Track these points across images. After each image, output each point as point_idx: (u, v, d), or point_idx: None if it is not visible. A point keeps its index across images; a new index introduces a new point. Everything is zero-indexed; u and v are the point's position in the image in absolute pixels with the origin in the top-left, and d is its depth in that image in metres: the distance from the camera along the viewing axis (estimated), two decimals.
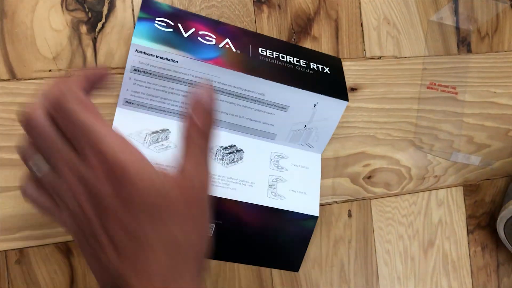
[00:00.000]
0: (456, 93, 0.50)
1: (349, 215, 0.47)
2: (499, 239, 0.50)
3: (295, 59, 0.43)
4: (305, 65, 0.44)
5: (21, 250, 0.39)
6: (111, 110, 0.40)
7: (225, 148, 0.42)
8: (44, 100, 0.26)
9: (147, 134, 0.40)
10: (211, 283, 0.43)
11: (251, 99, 0.42)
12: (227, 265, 0.44)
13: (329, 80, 0.44)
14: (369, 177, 0.48)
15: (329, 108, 0.43)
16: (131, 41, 0.37)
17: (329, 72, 0.44)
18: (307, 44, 0.46)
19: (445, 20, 0.50)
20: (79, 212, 0.26)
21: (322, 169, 0.46)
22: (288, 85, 0.41)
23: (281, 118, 0.43)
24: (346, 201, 0.47)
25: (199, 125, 0.28)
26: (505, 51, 0.52)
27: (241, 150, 0.43)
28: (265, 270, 0.45)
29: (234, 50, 0.41)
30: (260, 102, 0.42)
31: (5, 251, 0.39)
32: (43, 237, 0.39)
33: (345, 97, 0.43)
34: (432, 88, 0.49)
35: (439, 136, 0.50)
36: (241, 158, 0.43)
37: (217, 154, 0.42)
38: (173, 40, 0.39)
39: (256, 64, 0.41)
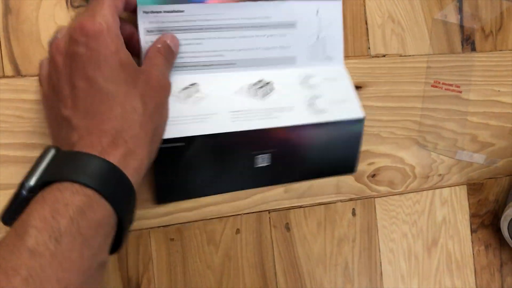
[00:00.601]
0: (460, 92, 0.50)
1: (353, 214, 0.47)
2: (502, 238, 0.50)
3: None
4: None
5: None
6: None
7: (254, 84, 0.43)
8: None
9: (178, 91, 0.41)
10: (215, 282, 0.43)
11: (260, 26, 0.43)
12: (231, 264, 0.43)
13: None
14: (373, 176, 0.47)
15: (329, 12, 0.45)
16: (137, 4, 0.38)
17: None
18: None
19: (450, 19, 0.50)
20: (54, 68, 0.32)
21: None
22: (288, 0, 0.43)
23: (293, 36, 0.44)
24: (350, 199, 0.47)
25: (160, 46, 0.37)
26: (509, 50, 0.52)
27: (270, 81, 0.44)
28: (269, 269, 0.45)
29: None
30: (269, 26, 0.43)
31: None
32: None
33: None
34: (436, 87, 0.49)
35: (443, 135, 0.50)
36: (272, 88, 0.44)
37: (250, 91, 0.43)
38: None
39: None
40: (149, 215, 0.41)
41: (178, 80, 0.41)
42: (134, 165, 0.31)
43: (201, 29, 0.41)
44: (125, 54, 0.33)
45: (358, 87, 0.47)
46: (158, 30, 0.40)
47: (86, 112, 0.31)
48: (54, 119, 0.33)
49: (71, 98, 0.31)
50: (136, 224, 0.41)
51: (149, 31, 0.39)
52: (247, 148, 0.42)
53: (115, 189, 0.29)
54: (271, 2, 0.42)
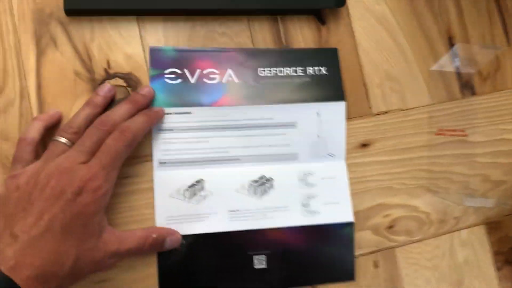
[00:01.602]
0: (466, 135, 0.52)
1: (376, 266, 0.49)
2: None
3: (292, 69, 0.48)
4: (302, 73, 0.48)
5: None
6: (149, 173, 0.45)
7: (255, 181, 0.47)
8: None
9: (184, 190, 0.45)
10: None
11: (263, 126, 0.47)
12: None
13: (327, 83, 0.48)
14: (390, 227, 0.50)
15: (331, 113, 0.48)
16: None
17: (325, 73, 0.49)
18: None
19: (446, 68, 0.53)
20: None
21: None
22: (289, 103, 0.47)
23: (294, 135, 0.48)
24: (371, 252, 0.49)
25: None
26: (509, 89, 0.54)
27: (270, 178, 0.47)
28: None
29: (237, 80, 0.47)
30: (270, 126, 0.47)
31: None
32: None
33: (341, 98, 0.49)
34: (440, 134, 0.52)
35: (453, 179, 0.52)
36: (272, 186, 0.47)
37: (249, 189, 0.46)
38: (183, 91, 0.46)
39: (258, 90, 0.47)
40: None
41: (185, 176, 0.45)
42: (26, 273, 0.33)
43: (208, 128, 0.46)
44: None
45: (365, 145, 0.50)
46: (169, 129, 0.45)
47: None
48: None
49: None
50: None
51: (160, 130, 0.45)
52: (243, 247, 0.45)
53: None
54: (274, 105, 0.47)
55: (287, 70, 0.48)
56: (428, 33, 0.53)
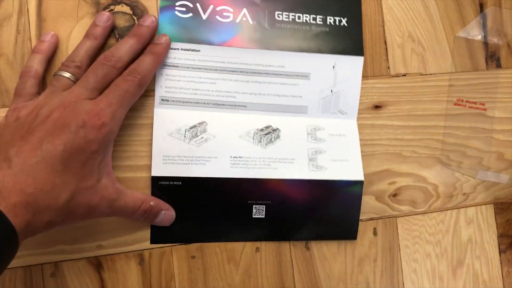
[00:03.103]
0: (485, 109, 0.49)
1: (375, 233, 0.47)
2: None
3: (311, 16, 0.45)
4: (321, 22, 0.45)
5: (55, 264, 0.41)
6: (149, 109, 0.43)
7: (261, 130, 0.44)
8: None
9: (186, 130, 0.43)
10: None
11: (273, 74, 0.44)
12: (251, 282, 0.44)
13: (346, 35, 0.45)
14: (394, 195, 0.47)
15: (348, 67, 0.45)
16: None
17: (345, 24, 0.45)
18: None
19: (473, 36, 0.50)
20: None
21: None
22: (304, 51, 0.44)
23: (306, 87, 0.45)
24: (371, 219, 0.47)
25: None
26: None
27: (277, 129, 0.44)
28: (287, 279, 0.45)
29: (251, 22, 0.44)
30: (282, 75, 0.44)
31: (41, 264, 0.41)
32: (76, 251, 0.41)
33: (360, 52, 0.45)
34: (459, 105, 0.49)
35: (467, 153, 0.49)
36: (278, 136, 0.44)
37: (255, 137, 0.44)
38: (193, 26, 0.42)
39: (273, 34, 0.44)
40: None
41: (188, 117, 0.43)
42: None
43: (216, 69, 0.43)
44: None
45: (378, 107, 0.47)
46: (174, 66, 0.42)
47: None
48: None
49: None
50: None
51: (165, 65, 0.42)
52: (243, 196, 0.43)
53: None
54: (287, 52, 0.44)
55: (306, 16, 0.45)
56: None
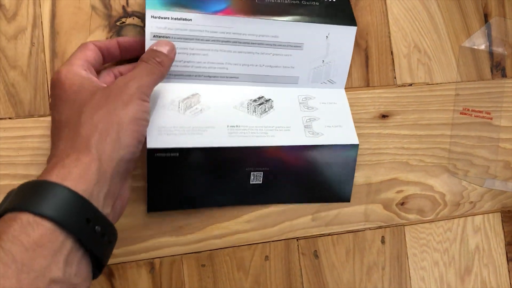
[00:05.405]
0: (491, 118, 0.50)
1: (382, 242, 0.47)
2: None
3: None
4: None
5: None
6: None
7: (254, 100, 0.45)
8: None
9: (179, 101, 0.42)
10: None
11: (267, 44, 0.44)
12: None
13: (336, 9, 0.46)
14: (402, 204, 0.48)
15: (340, 37, 0.45)
16: (145, 8, 0.40)
17: (334, 0, 0.46)
18: None
19: (478, 45, 0.50)
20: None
21: (354, 196, 0.46)
22: (298, 21, 0.44)
23: (299, 57, 0.45)
24: (379, 227, 0.47)
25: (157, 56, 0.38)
26: None
27: (270, 99, 0.45)
28: (296, 281, 0.45)
29: None
30: (275, 45, 0.44)
31: None
32: None
33: (353, 23, 0.45)
34: (465, 114, 0.49)
35: (474, 162, 0.49)
36: (271, 107, 0.45)
37: (249, 107, 0.44)
38: None
39: (264, 7, 0.44)
40: (182, 242, 0.43)
41: (180, 89, 0.43)
42: (77, 172, 0.29)
43: (208, 40, 0.42)
44: (79, 80, 0.35)
45: (385, 116, 0.48)
46: (164, 36, 0.41)
47: (53, 143, 0.34)
48: None
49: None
50: (169, 251, 0.43)
51: (155, 36, 0.41)
52: (241, 164, 0.43)
53: (48, 201, 0.27)
54: (281, 22, 0.44)
55: None
56: (464, 8, 0.50)
